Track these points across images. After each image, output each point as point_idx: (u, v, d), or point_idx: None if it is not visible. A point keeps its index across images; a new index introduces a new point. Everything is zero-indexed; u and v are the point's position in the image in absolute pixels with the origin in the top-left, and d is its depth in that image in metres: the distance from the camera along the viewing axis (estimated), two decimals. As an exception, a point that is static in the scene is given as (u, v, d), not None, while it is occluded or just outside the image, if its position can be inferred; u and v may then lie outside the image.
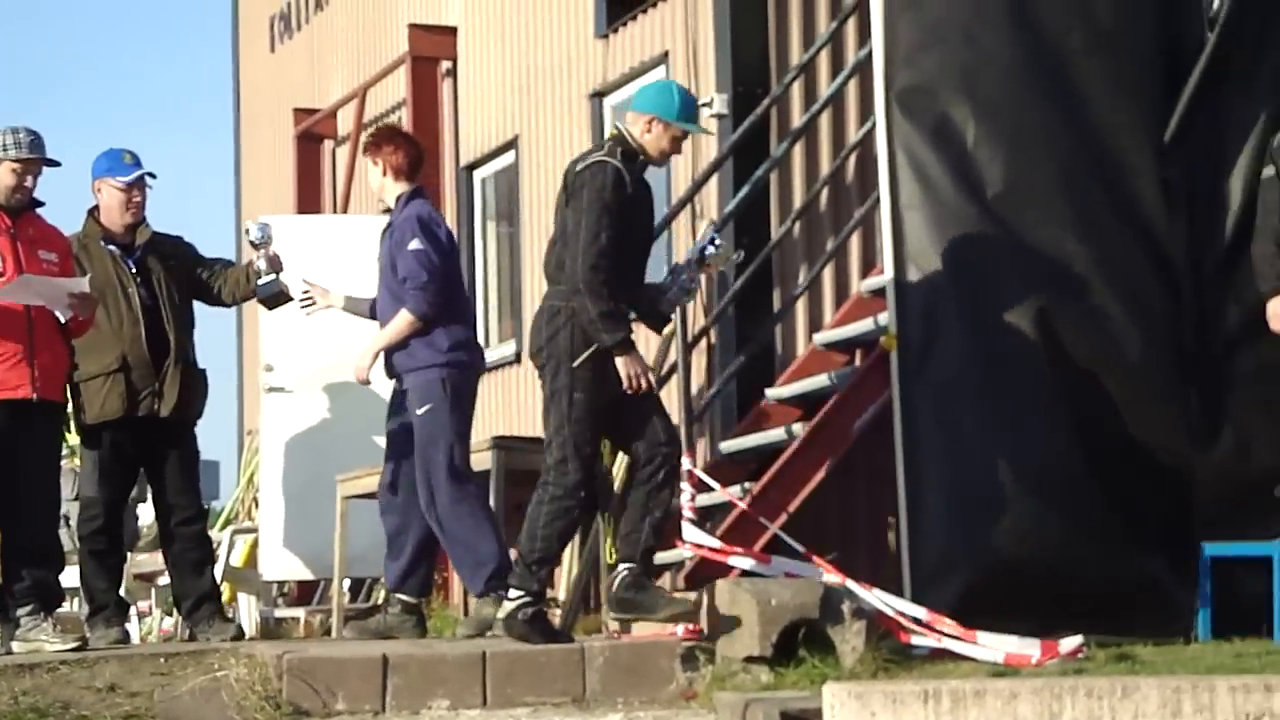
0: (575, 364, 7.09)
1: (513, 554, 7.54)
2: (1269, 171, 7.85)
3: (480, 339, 9.11)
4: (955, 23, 8.00)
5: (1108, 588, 7.68)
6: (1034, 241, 7.92)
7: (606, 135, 7.47)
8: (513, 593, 7.19)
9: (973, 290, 7.87)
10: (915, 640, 7.32)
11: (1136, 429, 7.89)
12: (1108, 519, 7.75)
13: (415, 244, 7.89)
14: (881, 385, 8.44)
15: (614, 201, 7.07)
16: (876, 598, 7.36)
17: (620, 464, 8.68)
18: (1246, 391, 7.97)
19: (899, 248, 7.97)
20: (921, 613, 7.46)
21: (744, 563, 7.83)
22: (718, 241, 7.64)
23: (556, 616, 8.03)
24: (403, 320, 7.91)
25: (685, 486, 8.37)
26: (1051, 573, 7.64)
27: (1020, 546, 7.65)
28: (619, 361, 7.15)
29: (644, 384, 7.21)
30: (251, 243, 8.45)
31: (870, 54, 8.31)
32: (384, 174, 8.16)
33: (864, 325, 9.16)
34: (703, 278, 7.85)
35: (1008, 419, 7.74)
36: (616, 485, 8.64)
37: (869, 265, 9.69)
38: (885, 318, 8.20)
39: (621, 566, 7.27)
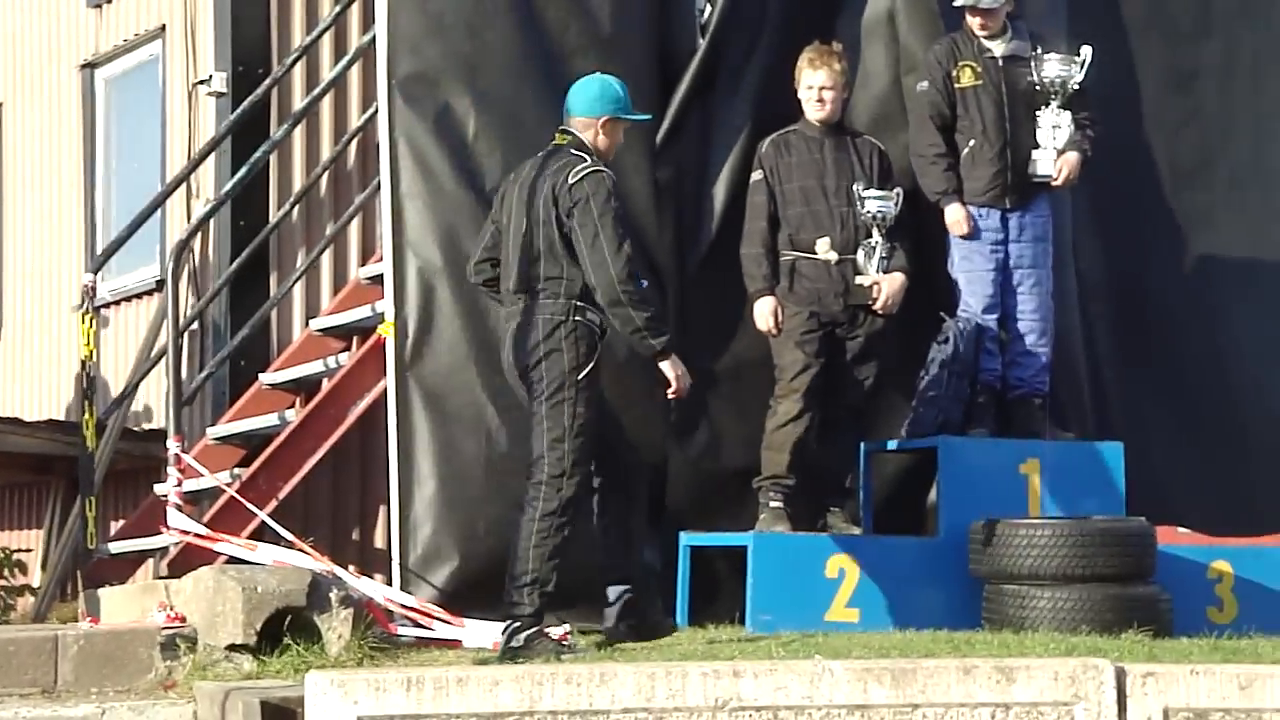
0: (580, 376, 6.86)
1: None
2: (756, 175, 8.17)
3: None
4: (458, 14, 8.05)
5: (591, 576, 7.84)
6: (530, 235, 8.03)
7: (554, 142, 7.13)
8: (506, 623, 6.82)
9: (468, 280, 7.91)
10: (403, 628, 7.34)
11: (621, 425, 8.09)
12: (588, 509, 7.91)
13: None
14: (377, 373, 8.42)
15: (620, 208, 6.93)
16: (365, 585, 7.35)
17: None
18: (721, 391, 8.28)
19: (398, 236, 7.98)
20: (410, 600, 7.49)
21: (231, 549, 7.71)
22: None
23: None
24: None
25: (172, 471, 8.19)
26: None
27: (506, 536, 7.73)
28: (666, 365, 7.00)
29: (685, 388, 7.05)
30: None
31: (374, 40, 8.29)
32: None
33: (361, 312, 9.11)
34: None
35: (497, 410, 7.83)
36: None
37: (368, 252, 9.64)
38: (382, 305, 8.18)
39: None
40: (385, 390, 8.07)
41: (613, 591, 7.16)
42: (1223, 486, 9.11)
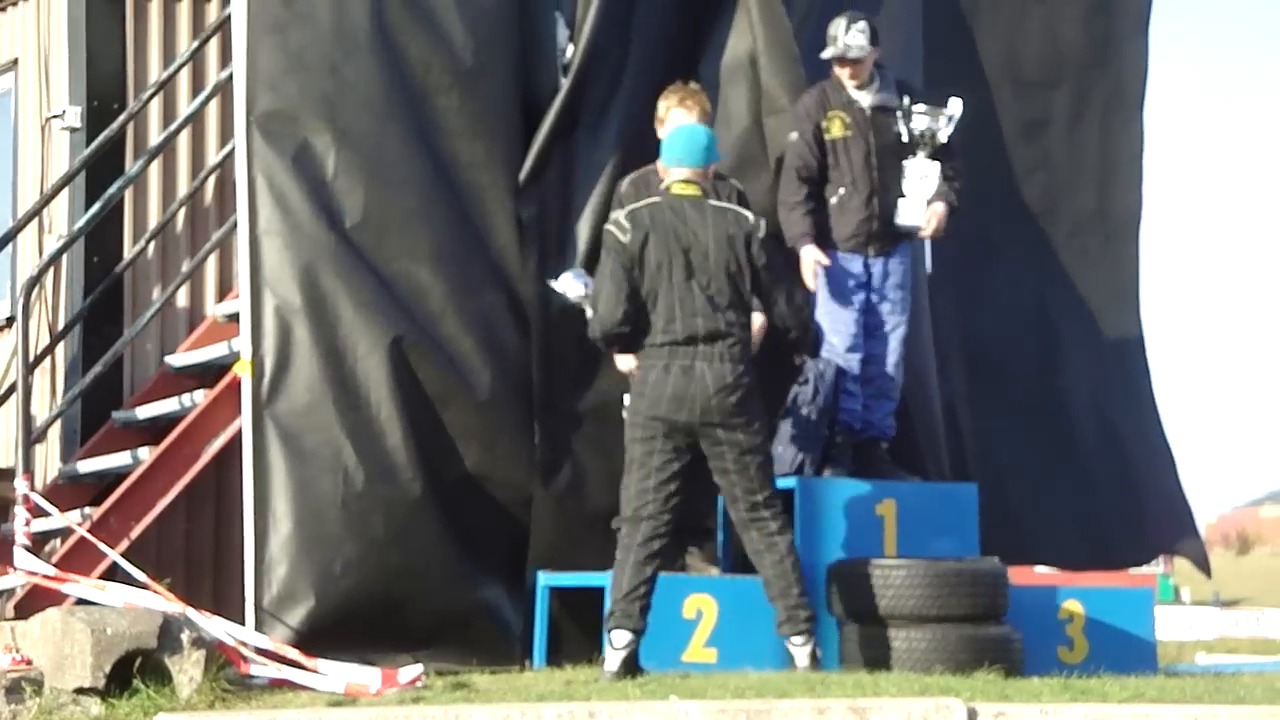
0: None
1: None
2: (614, 216, 8.18)
3: None
4: (318, 51, 8.01)
5: (447, 617, 7.81)
6: (390, 273, 8.01)
7: (680, 192, 7.49)
8: (801, 639, 7.24)
9: (327, 319, 7.88)
10: (256, 670, 7.24)
11: (482, 461, 8.07)
12: (448, 549, 7.89)
13: None
14: (233, 411, 8.34)
15: None
16: (218, 627, 7.25)
17: None
18: (585, 430, 8.28)
19: (255, 273, 7.91)
20: (264, 641, 7.40)
21: (80, 590, 7.57)
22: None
23: None
24: None
25: (20, 511, 8.05)
26: (392, 602, 7.72)
27: (363, 576, 7.70)
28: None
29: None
30: None
31: (232, 76, 8.22)
32: None
33: (218, 350, 9.03)
34: None
35: (355, 449, 7.77)
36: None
37: (225, 289, 9.55)
38: (239, 343, 8.10)
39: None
40: (241, 429, 7.99)
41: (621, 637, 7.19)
42: (1070, 523, 9.26)
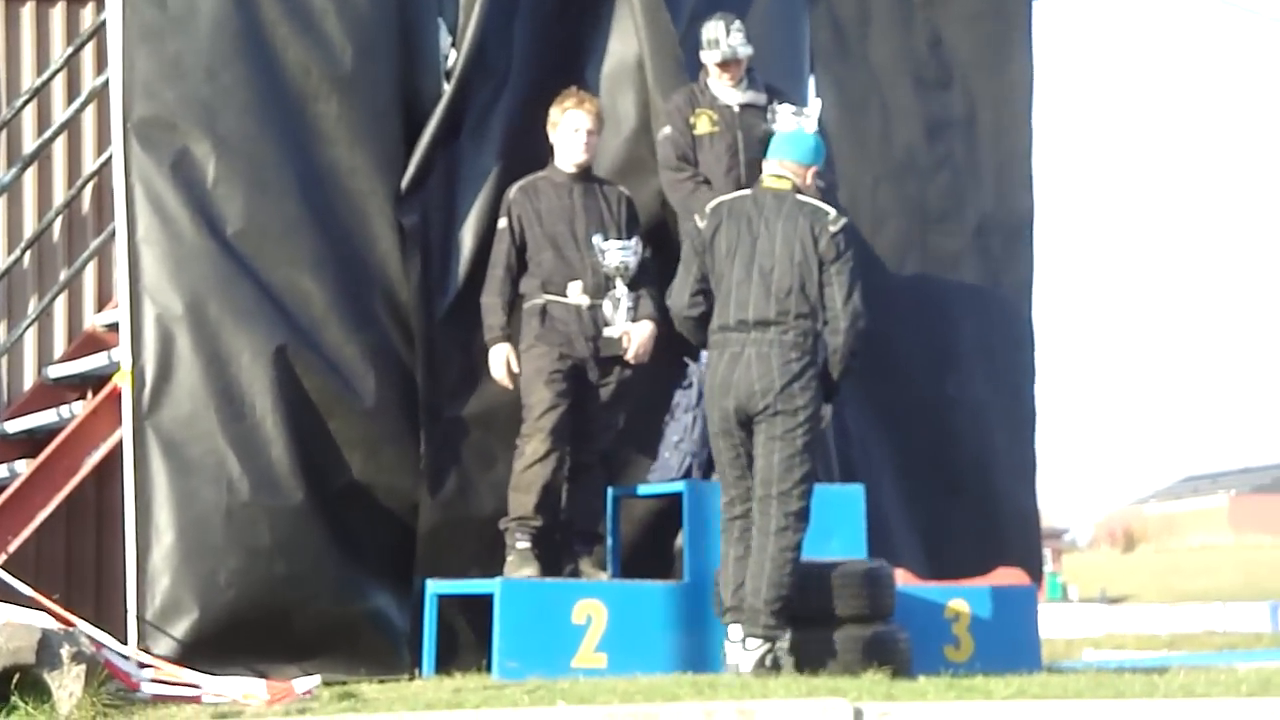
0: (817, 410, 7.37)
1: None
2: (502, 223, 8.17)
3: None
4: (196, 57, 7.92)
5: (335, 626, 7.75)
6: (272, 280, 7.94)
7: (771, 185, 7.63)
8: (754, 642, 7.21)
9: (209, 328, 7.79)
10: (141, 684, 7.15)
11: (368, 470, 8.01)
12: (334, 558, 7.83)
13: None
14: (113, 422, 8.23)
15: None
16: (100, 641, 7.14)
17: None
18: (471, 437, 8.24)
19: (134, 282, 7.81)
20: (146, 656, 7.31)
21: (-42, 607, 7.42)
22: None
23: None
24: None
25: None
26: (278, 612, 7.65)
27: (248, 587, 7.62)
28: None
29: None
30: None
31: (108, 82, 8.12)
32: None
33: (97, 360, 8.91)
34: None
35: (239, 458, 7.69)
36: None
37: (105, 299, 9.43)
38: (119, 353, 8.00)
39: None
40: (121, 440, 7.88)
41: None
42: (925, 531, 9.28)
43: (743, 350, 7.38)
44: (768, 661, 7.22)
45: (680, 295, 7.60)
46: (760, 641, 7.23)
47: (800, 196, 7.55)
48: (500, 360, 8.03)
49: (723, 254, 7.49)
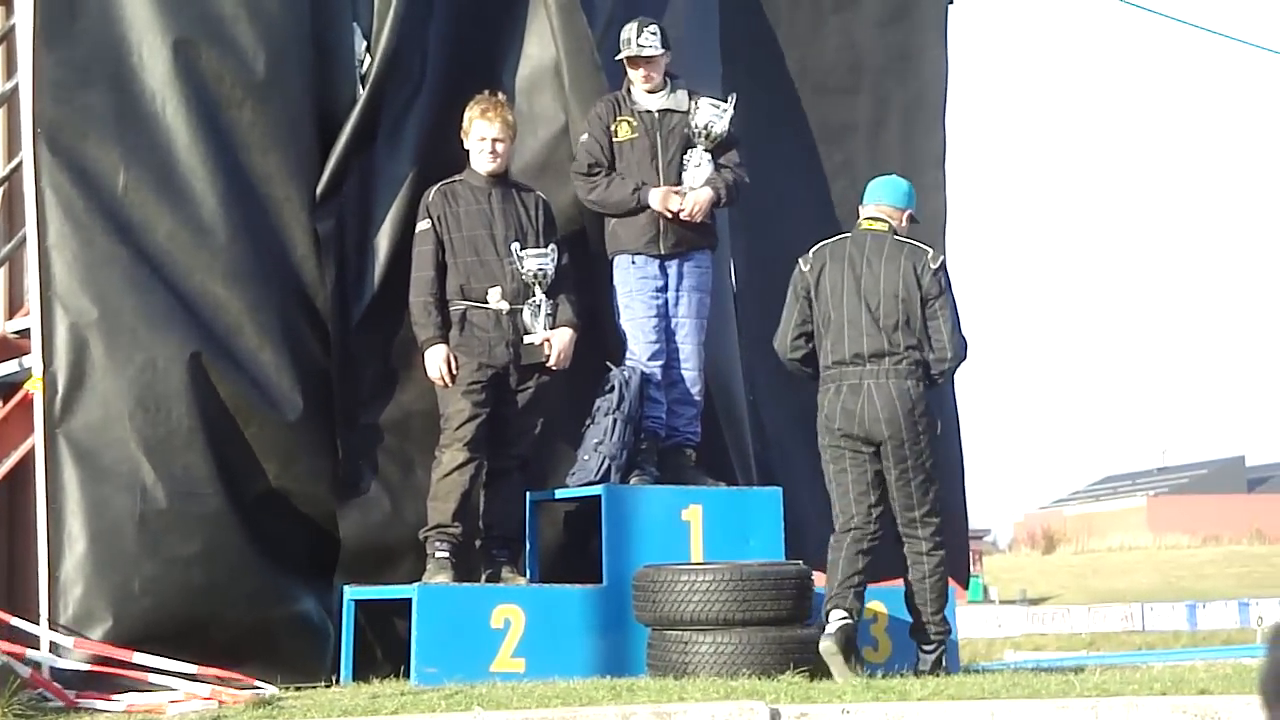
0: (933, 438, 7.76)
1: None
2: (424, 224, 8.14)
3: None
4: (107, 63, 7.86)
5: (253, 633, 7.70)
6: (186, 287, 7.88)
7: (870, 227, 7.97)
8: (930, 647, 7.77)
9: (123, 334, 7.73)
10: (51, 692, 7.08)
11: (285, 476, 7.96)
12: (252, 566, 7.78)
13: None
14: (25, 429, 8.14)
15: None
16: (10, 648, 7.06)
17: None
18: (386, 442, 8.21)
19: (46, 289, 7.74)
20: (60, 664, 7.23)
21: None
22: None
23: None
24: None
25: None
26: (195, 620, 7.59)
27: (163, 595, 7.56)
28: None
29: None
30: None
31: (17, 87, 8.03)
32: None
33: (8, 367, 8.81)
34: None
35: (153, 466, 7.63)
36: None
37: (16, 305, 9.32)
38: (30, 360, 7.91)
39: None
40: (33, 447, 7.80)
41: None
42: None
43: (861, 382, 7.75)
44: (944, 662, 7.77)
45: (784, 339, 7.99)
46: (934, 646, 7.76)
47: (898, 237, 7.93)
48: (439, 360, 8.00)
49: (828, 293, 7.86)
